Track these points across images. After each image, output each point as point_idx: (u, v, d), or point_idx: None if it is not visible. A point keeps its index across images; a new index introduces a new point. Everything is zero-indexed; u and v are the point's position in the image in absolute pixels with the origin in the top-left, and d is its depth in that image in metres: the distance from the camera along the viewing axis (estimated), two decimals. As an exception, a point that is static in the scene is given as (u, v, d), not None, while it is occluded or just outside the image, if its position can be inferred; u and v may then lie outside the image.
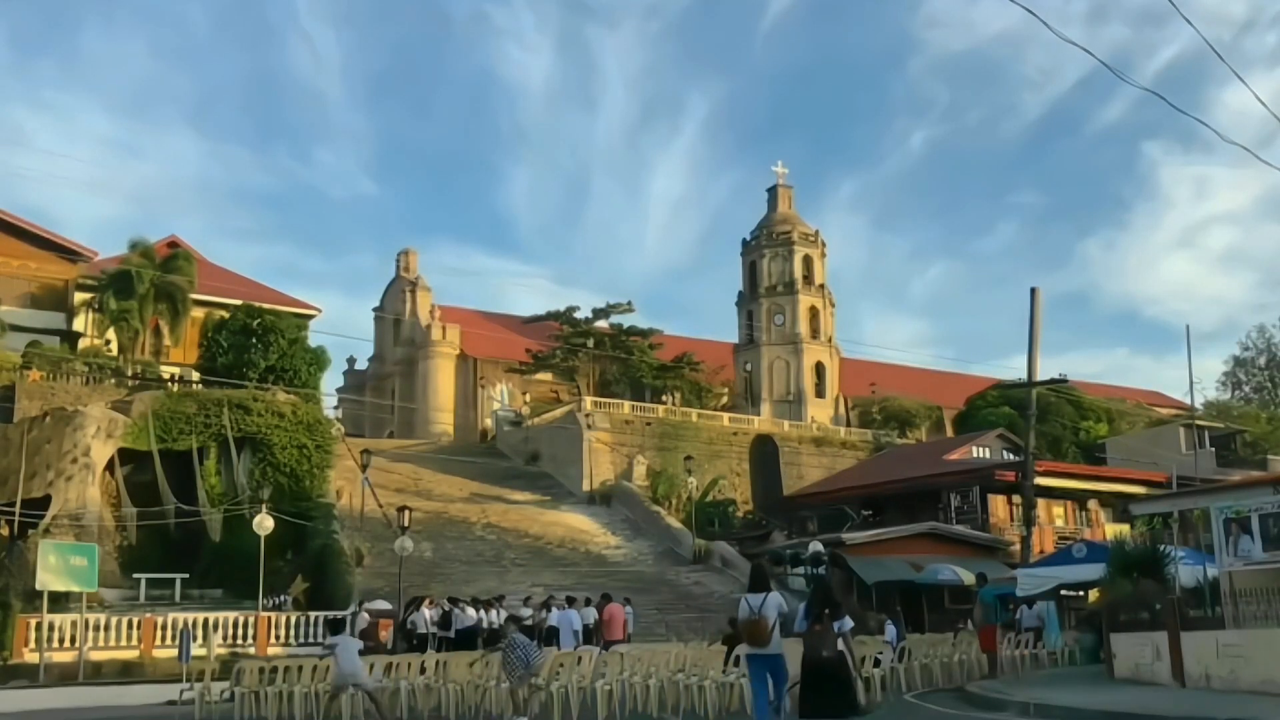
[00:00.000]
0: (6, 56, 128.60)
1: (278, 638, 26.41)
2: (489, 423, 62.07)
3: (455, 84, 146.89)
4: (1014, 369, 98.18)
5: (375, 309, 75.35)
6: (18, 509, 29.17)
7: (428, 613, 25.70)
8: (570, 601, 25.99)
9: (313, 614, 27.14)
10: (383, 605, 27.51)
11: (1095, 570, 22.87)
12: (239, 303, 42.92)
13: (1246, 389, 77.01)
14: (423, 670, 17.92)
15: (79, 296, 45.14)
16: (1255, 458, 50.66)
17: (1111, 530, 37.36)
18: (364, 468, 35.30)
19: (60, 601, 25.15)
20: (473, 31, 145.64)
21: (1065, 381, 45.10)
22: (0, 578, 27.00)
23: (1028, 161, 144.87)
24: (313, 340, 41.47)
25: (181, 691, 18.19)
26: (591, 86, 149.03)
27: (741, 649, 12.93)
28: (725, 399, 65.57)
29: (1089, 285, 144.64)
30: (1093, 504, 41.00)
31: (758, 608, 11.74)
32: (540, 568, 36.59)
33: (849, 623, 14.07)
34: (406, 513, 30.61)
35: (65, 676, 23.40)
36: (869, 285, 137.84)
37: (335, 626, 18.26)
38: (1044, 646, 24.11)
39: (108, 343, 44.08)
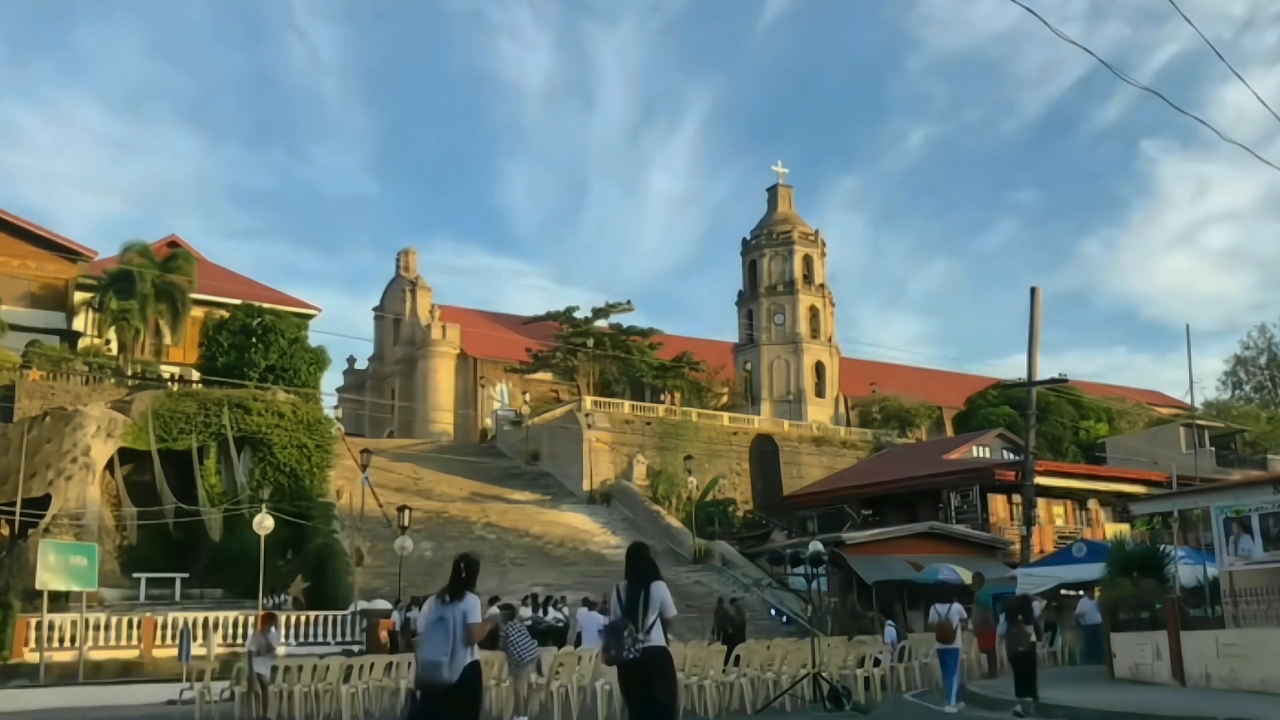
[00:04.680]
0: (3, 53, 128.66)
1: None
2: (489, 422, 62.06)
3: (453, 82, 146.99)
4: (1014, 368, 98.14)
5: (375, 308, 75.33)
6: (18, 508, 29.15)
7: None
8: (558, 603, 26.05)
9: (312, 613, 27.16)
10: (382, 605, 27.52)
11: (1095, 570, 22.91)
12: (239, 302, 42.89)
13: (1247, 388, 77.03)
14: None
15: (79, 296, 45.16)
16: (1255, 457, 50.69)
17: (1111, 530, 37.36)
18: (364, 467, 35.28)
19: (60, 601, 25.13)
20: (470, 29, 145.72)
21: (1065, 381, 45.13)
22: (0, 577, 27.02)
23: (1027, 160, 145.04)
24: (313, 340, 41.41)
25: (181, 691, 18.22)
26: (590, 84, 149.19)
27: (934, 644, 17.32)
28: (725, 399, 65.53)
29: (1088, 284, 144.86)
30: (1093, 503, 40.98)
31: (944, 613, 16.20)
32: (540, 567, 36.59)
33: None
34: (406, 512, 30.62)
35: (65, 676, 23.37)
36: (869, 284, 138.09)
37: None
38: (1043, 646, 24.12)
39: (108, 342, 44.09)
